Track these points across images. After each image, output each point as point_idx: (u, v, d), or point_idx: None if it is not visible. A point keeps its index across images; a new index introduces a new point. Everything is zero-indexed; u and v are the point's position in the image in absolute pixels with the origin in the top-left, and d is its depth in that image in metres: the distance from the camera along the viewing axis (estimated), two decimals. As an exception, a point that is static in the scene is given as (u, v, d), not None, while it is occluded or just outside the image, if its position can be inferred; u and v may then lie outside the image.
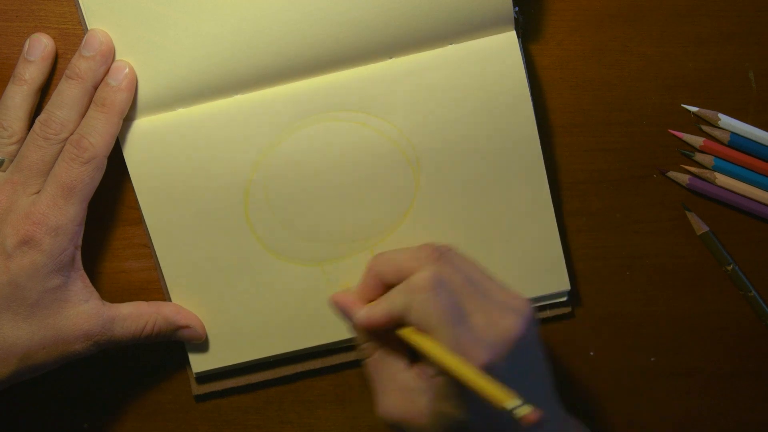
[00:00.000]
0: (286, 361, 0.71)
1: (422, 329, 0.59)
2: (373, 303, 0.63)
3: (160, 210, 0.67)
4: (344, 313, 0.65)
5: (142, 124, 0.65)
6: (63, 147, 0.63)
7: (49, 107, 0.63)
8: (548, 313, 0.71)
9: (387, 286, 0.63)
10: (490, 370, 0.57)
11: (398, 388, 0.62)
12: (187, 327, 0.68)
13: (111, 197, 0.68)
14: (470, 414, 0.59)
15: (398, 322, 0.61)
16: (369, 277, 0.64)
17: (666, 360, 0.73)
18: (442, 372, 0.59)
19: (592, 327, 0.72)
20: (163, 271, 0.68)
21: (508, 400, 0.53)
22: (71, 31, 0.66)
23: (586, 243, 0.71)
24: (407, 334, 0.61)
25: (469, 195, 0.68)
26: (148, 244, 0.69)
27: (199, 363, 0.70)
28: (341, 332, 0.69)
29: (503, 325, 0.59)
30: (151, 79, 0.64)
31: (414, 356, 0.64)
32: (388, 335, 0.63)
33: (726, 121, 0.69)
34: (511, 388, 0.55)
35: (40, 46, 0.65)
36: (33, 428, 0.72)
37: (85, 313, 0.64)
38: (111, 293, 0.70)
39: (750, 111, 0.69)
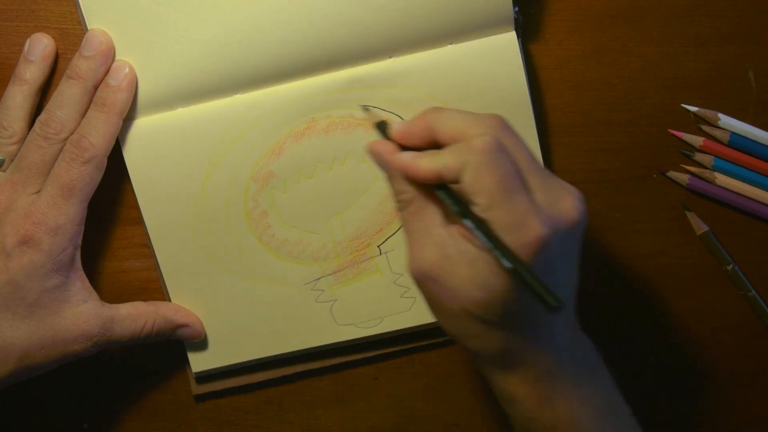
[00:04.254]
0: (286, 361, 0.71)
1: (474, 193, 0.55)
2: (420, 153, 0.58)
3: (160, 210, 0.67)
4: (382, 160, 0.60)
5: (142, 123, 0.65)
6: (63, 147, 0.63)
7: (49, 107, 0.64)
8: (548, 313, 0.71)
9: (434, 143, 0.59)
10: (545, 244, 0.54)
11: (435, 242, 0.57)
12: (186, 325, 0.68)
13: (111, 197, 0.68)
14: (508, 283, 0.55)
15: (444, 181, 0.57)
16: (420, 126, 0.59)
17: (666, 360, 0.73)
18: (486, 250, 0.55)
19: (592, 327, 0.72)
20: (163, 270, 0.68)
21: (551, 300, 0.52)
22: (71, 31, 0.66)
23: (586, 243, 0.71)
24: (448, 197, 0.57)
25: (469, 195, 0.68)
26: (148, 244, 0.69)
27: (198, 362, 0.70)
28: (341, 333, 0.70)
29: (566, 204, 0.56)
30: (151, 79, 0.64)
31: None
32: (426, 187, 0.59)
33: (726, 121, 0.69)
34: (556, 268, 0.55)
35: (41, 46, 0.65)
36: (33, 428, 0.72)
37: (84, 314, 0.64)
38: (111, 293, 0.70)
39: (750, 111, 0.69)
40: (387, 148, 0.59)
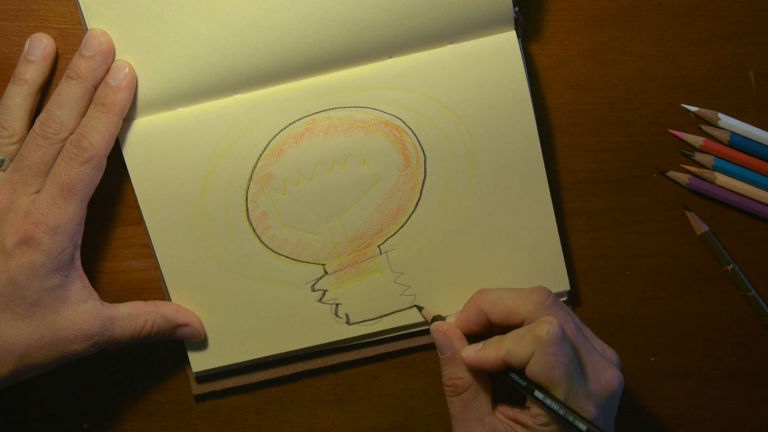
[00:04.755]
0: (286, 360, 0.71)
1: (541, 380, 0.60)
2: (482, 344, 0.63)
3: (160, 210, 0.67)
4: (445, 344, 0.65)
5: (141, 123, 0.65)
6: (63, 146, 0.63)
7: (49, 107, 0.64)
8: (548, 313, 0.71)
9: (489, 323, 0.65)
10: (595, 421, 0.60)
11: (486, 431, 0.63)
12: (186, 325, 0.68)
13: (111, 197, 0.68)
14: None
15: (509, 366, 0.62)
16: (472, 312, 0.65)
17: (666, 360, 0.73)
18: (556, 420, 0.61)
19: (592, 327, 0.72)
20: (163, 270, 0.68)
21: None
22: (71, 31, 0.66)
23: (587, 243, 0.71)
24: (516, 376, 0.62)
25: (469, 195, 0.68)
26: (148, 244, 0.69)
27: (198, 362, 0.70)
28: (341, 332, 0.69)
29: (606, 379, 0.62)
30: (151, 78, 0.64)
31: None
32: (481, 374, 0.64)
33: (726, 120, 0.69)
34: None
35: (41, 45, 0.65)
36: (33, 428, 0.72)
37: (83, 313, 0.64)
38: (111, 293, 0.70)
39: (750, 111, 0.69)
40: (454, 332, 0.65)
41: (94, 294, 0.65)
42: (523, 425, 0.63)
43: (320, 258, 0.68)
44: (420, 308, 0.69)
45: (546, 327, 0.60)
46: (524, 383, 0.61)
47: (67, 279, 0.63)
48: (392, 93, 0.66)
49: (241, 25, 0.64)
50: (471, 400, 0.64)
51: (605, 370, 0.62)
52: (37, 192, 0.63)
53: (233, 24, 0.64)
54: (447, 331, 0.65)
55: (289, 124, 0.66)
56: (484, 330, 0.65)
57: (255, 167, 0.66)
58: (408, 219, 0.68)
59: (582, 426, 0.59)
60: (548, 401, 0.60)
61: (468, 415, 0.64)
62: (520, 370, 0.61)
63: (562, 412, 0.59)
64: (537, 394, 0.60)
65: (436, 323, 0.66)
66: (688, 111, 0.69)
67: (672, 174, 0.70)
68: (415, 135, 0.67)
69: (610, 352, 0.65)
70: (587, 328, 0.66)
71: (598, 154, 0.70)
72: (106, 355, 0.70)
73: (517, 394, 0.63)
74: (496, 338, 0.63)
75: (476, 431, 0.64)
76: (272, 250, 0.68)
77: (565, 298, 0.71)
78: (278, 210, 0.67)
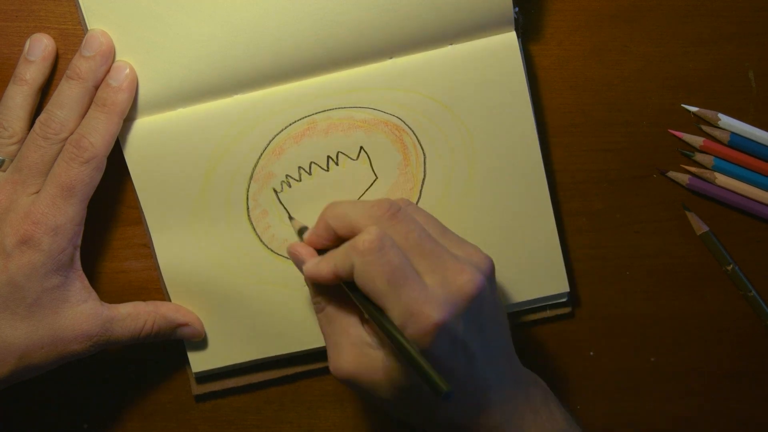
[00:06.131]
0: (286, 361, 0.71)
1: (366, 290, 0.57)
2: (321, 258, 0.61)
3: (160, 210, 0.67)
4: (297, 263, 0.63)
5: (142, 124, 0.65)
6: (63, 147, 0.63)
7: (49, 107, 0.64)
8: (548, 313, 0.71)
9: (340, 238, 0.61)
10: (444, 328, 0.55)
11: (351, 342, 0.60)
12: (186, 324, 0.68)
13: (111, 197, 0.68)
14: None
15: (346, 279, 0.59)
16: (321, 228, 0.62)
17: (666, 360, 0.73)
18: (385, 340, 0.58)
19: (592, 327, 0.72)
20: (163, 270, 0.68)
21: (440, 385, 0.53)
22: (71, 31, 0.66)
23: (586, 243, 0.71)
24: (355, 296, 0.59)
25: (468, 195, 0.68)
26: (148, 244, 0.69)
27: (198, 363, 0.70)
28: (341, 332, 0.70)
29: (459, 281, 0.57)
30: (151, 79, 0.64)
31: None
32: (341, 289, 0.61)
33: (726, 121, 0.69)
34: (466, 344, 0.56)
35: (41, 46, 0.65)
36: (33, 428, 0.72)
37: (83, 314, 0.64)
38: (111, 293, 0.70)
39: (750, 111, 0.69)
40: (304, 252, 0.62)
41: (94, 294, 0.65)
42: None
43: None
44: (291, 218, 0.67)
45: (363, 236, 0.56)
46: (356, 296, 0.58)
47: (66, 279, 0.63)
48: (392, 93, 0.66)
49: (241, 25, 0.64)
50: (333, 315, 0.61)
51: (459, 274, 0.57)
52: (37, 192, 0.63)
53: (233, 24, 0.64)
54: (294, 252, 0.62)
55: (290, 124, 0.66)
56: (337, 245, 0.61)
57: (255, 166, 0.66)
58: (408, 219, 0.68)
59: (403, 354, 0.54)
60: (377, 326, 0.56)
61: (332, 329, 0.61)
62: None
63: (387, 337, 0.56)
64: (369, 316, 0.57)
65: (290, 245, 0.63)
66: (688, 111, 0.69)
67: (672, 174, 0.70)
68: (415, 134, 0.67)
69: (477, 258, 0.59)
70: (452, 234, 0.61)
71: (598, 154, 0.70)
72: (106, 355, 0.70)
73: None
74: (331, 252, 0.60)
75: (341, 343, 0.60)
76: (272, 251, 0.68)
77: (565, 299, 0.71)
78: (279, 209, 0.67)
